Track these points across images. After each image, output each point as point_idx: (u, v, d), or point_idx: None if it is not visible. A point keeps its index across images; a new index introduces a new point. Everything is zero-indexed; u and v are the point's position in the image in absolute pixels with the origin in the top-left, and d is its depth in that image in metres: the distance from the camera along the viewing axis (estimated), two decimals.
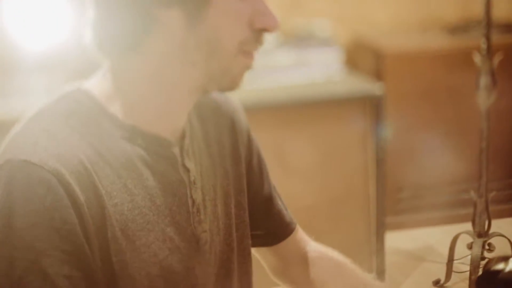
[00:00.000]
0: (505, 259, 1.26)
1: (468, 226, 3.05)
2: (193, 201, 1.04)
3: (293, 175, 2.80)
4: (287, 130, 2.85)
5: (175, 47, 0.97)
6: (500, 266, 1.24)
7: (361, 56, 3.60)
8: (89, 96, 0.99)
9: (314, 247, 1.28)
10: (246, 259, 1.16)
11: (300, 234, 1.28)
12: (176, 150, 1.03)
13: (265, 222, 1.22)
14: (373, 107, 2.92)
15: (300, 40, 3.24)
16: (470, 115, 3.24)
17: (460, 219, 3.39)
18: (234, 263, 1.13)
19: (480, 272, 1.25)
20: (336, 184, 2.94)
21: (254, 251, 1.24)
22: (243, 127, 1.18)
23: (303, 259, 1.26)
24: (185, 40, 0.97)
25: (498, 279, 1.23)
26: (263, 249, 1.26)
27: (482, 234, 2.96)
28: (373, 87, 2.95)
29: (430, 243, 3.47)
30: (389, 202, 3.26)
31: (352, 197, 2.97)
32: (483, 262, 2.89)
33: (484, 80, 2.86)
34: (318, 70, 3.12)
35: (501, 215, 3.47)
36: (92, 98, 0.99)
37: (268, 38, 3.16)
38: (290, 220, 1.25)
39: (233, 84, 1.02)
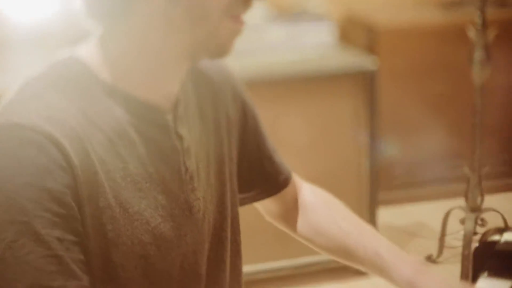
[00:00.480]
0: (501, 230, 1.27)
1: (460, 201, 3.06)
2: (186, 169, 1.03)
3: (286, 151, 2.76)
4: (280, 106, 2.84)
5: (160, 13, 0.96)
6: (496, 237, 1.25)
7: (355, 32, 3.59)
8: (80, 63, 0.98)
9: (311, 191, 1.30)
10: (235, 228, 1.17)
11: (297, 180, 1.30)
12: (169, 117, 1.02)
13: (263, 180, 1.24)
14: (366, 82, 2.91)
15: (293, 15, 3.22)
16: (464, 90, 3.24)
17: (453, 195, 3.40)
18: (227, 231, 1.13)
19: (475, 245, 1.26)
20: (329, 159, 2.94)
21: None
22: (237, 92, 1.18)
23: (301, 204, 1.28)
24: (170, 6, 0.96)
25: (495, 250, 1.24)
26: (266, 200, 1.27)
27: (475, 209, 2.97)
28: (367, 62, 2.94)
29: (422, 218, 3.48)
30: (382, 177, 3.26)
31: (345, 172, 2.96)
32: (475, 238, 2.90)
33: (478, 55, 2.85)
34: (311, 45, 3.10)
35: (494, 190, 3.48)
36: (83, 65, 0.98)
37: (262, 14, 3.12)
38: (287, 172, 1.27)
39: (222, 50, 1.00)
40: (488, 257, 1.23)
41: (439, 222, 3.15)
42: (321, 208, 1.28)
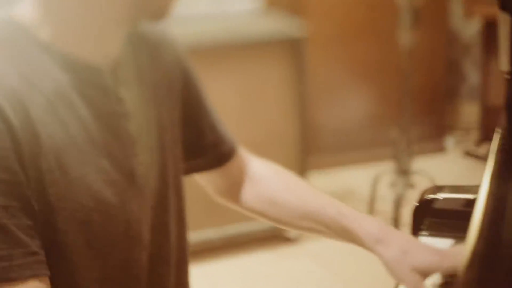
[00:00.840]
0: (439, 189, 1.26)
1: (390, 165, 3.09)
2: (128, 133, 1.00)
3: None
4: (208, 73, 2.78)
5: None
6: (435, 195, 1.24)
7: None
8: (17, 22, 0.95)
9: (259, 163, 1.27)
10: (180, 195, 1.13)
11: (243, 154, 1.27)
12: (109, 80, 0.99)
13: (206, 151, 1.20)
14: (294, 48, 2.90)
15: None
16: (392, 55, 3.26)
17: (382, 158, 3.43)
18: (170, 199, 1.10)
19: (415, 205, 1.24)
20: (258, 126, 2.92)
21: (197, 177, 1.24)
22: (179, 59, 1.15)
23: (250, 177, 1.25)
24: None
25: (434, 208, 1.23)
26: (210, 173, 1.24)
27: (404, 172, 3.00)
28: (295, 28, 2.92)
29: (352, 183, 3.50)
30: (311, 143, 3.26)
31: (275, 138, 2.95)
32: (405, 201, 2.93)
33: (406, 20, 2.86)
34: (238, 12, 3.06)
35: (422, 152, 3.52)
36: (20, 24, 0.94)
37: None
38: (231, 144, 1.23)
39: (162, 12, 0.98)
40: (427, 216, 1.22)
41: (369, 187, 3.17)
42: (273, 179, 1.24)
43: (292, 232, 3.00)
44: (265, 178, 1.24)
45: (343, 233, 1.11)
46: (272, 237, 3.00)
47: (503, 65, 1.17)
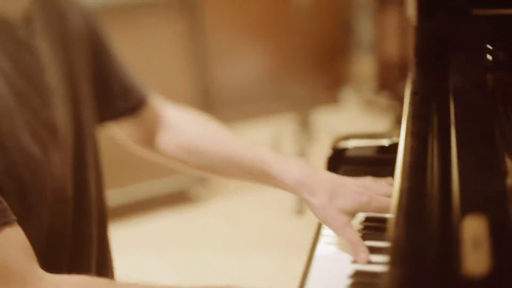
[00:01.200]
0: (348, 137, 1.27)
1: (290, 118, 3.11)
2: (46, 86, 1.00)
3: None
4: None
5: None
6: (345, 144, 1.25)
7: None
8: None
9: (178, 111, 1.26)
10: (96, 149, 1.14)
11: (159, 103, 1.26)
12: (23, 33, 1.00)
13: (118, 97, 1.20)
14: (191, 8, 2.87)
15: None
16: (288, 10, 3.27)
17: (282, 112, 3.45)
18: (88, 152, 1.10)
19: (328, 155, 1.25)
20: (158, 84, 2.85)
21: (116, 129, 1.24)
22: (85, 15, 1.15)
23: (167, 125, 1.24)
24: None
25: (347, 155, 1.23)
26: (125, 123, 1.23)
27: (305, 123, 3.03)
28: None
29: (253, 137, 3.51)
30: (212, 98, 3.24)
31: (174, 95, 2.87)
32: (308, 152, 2.97)
33: None
34: None
35: (320, 104, 3.57)
36: None
37: None
38: (142, 94, 1.23)
39: None
40: (341, 164, 1.23)
41: (271, 140, 3.18)
42: (191, 126, 1.23)
43: (195, 192, 3.00)
44: (183, 125, 1.22)
45: (265, 178, 1.09)
46: (176, 198, 2.98)
47: (410, 11, 1.18)
